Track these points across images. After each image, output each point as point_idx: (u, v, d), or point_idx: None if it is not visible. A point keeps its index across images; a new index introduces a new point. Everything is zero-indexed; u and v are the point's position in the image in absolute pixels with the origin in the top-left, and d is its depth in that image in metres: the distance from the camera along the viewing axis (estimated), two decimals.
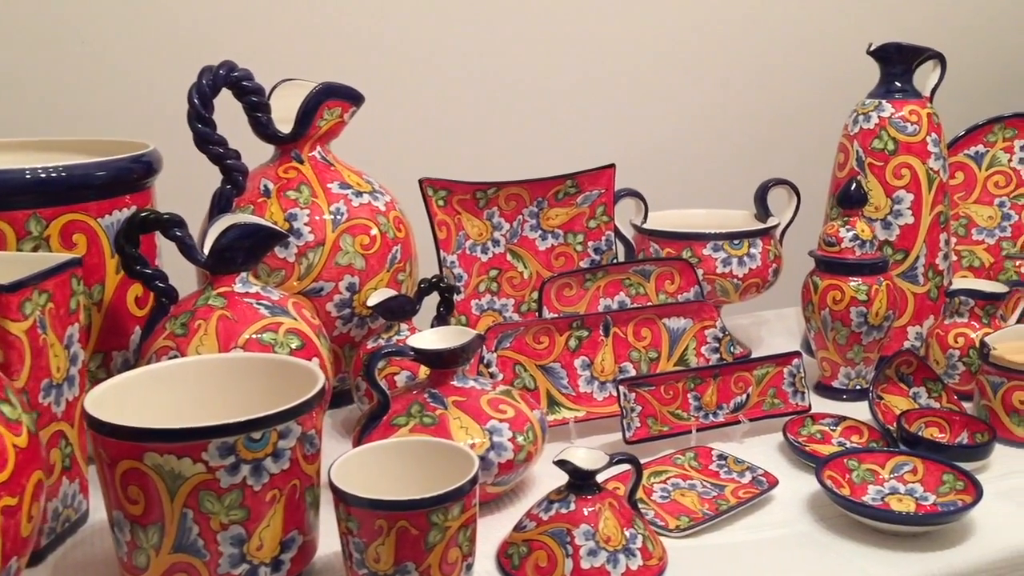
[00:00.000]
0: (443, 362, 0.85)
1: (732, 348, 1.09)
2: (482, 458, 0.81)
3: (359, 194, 1.04)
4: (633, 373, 1.05)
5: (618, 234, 1.22)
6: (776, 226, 1.22)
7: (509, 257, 1.16)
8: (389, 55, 1.52)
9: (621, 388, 0.96)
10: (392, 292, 0.99)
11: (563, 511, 0.73)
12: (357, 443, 0.84)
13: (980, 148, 1.36)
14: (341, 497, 0.67)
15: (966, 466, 0.91)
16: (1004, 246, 1.34)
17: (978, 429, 0.96)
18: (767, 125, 1.81)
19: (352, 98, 1.05)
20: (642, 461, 0.93)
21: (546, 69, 1.62)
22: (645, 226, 1.21)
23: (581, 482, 0.74)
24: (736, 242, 1.17)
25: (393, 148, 1.48)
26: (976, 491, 0.83)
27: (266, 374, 0.77)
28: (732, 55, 1.76)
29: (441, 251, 1.11)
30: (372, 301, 0.98)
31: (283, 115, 1.04)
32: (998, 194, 1.35)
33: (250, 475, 0.66)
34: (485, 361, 0.99)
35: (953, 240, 1.35)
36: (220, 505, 0.65)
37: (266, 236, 0.88)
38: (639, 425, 0.96)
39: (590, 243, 1.18)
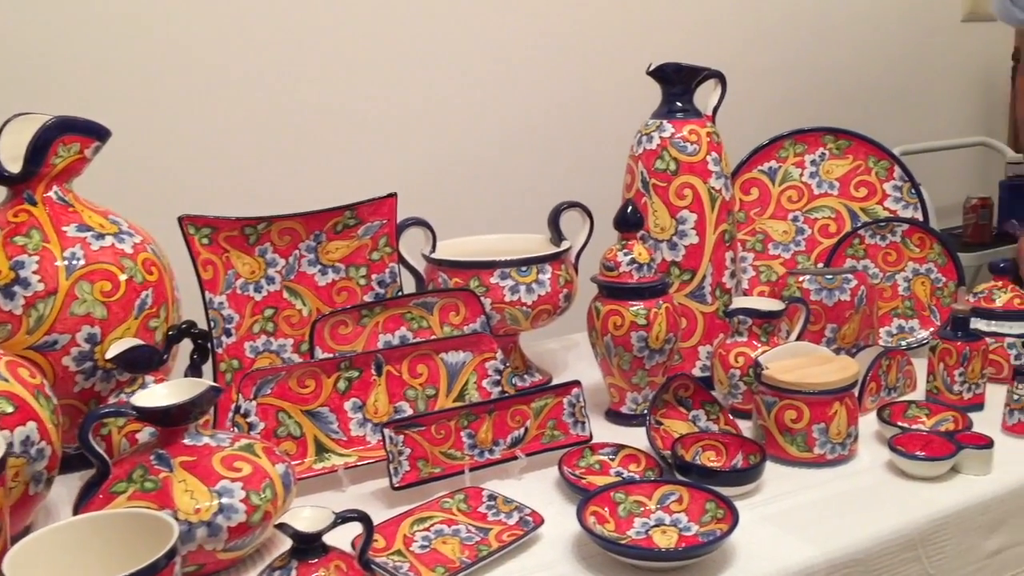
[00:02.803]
0: (171, 419, 0.78)
1: (514, 380, 1.05)
2: (208, 523, 0.74)
3: (101, 236, 0.96)
4: (410, 412, 1.00)
5: (407, 266, 1.18)
6: (567, 250, 1.20)
7: (286, 295, 1.10)
8: (150, 85, 1.43)
9: (386, 431, 0.91)
10: (136, 342, 0.91)
11: None
12: (75, 513, 0.76)
13: (773, 164, 1.38)
14: None
15: (738, 489, 0.90)
16: (799, 260, 1.36)
17: (751, 451, 0.96)
18: (564, 147, 1.79)
19: (93, 132, 0.97)
20: (409, 507, 0.89)
21: (319, 94, 1.56)
22: (433, 256, 1.17)
23: (305, 546, 0.69)
24: (524, 269, 1.14)
25: (154, 184, 1.40)
26: (733, 519, 0.81)
27: None
28: (522, 77, 1.74)
29: (207, 292, 1.04)
30: (111, 353, 0.90)
31: (17, 152, 0.95)
32: (791, 209, 1.38)
33: None
34: (242, 411, 0.92)
35: (751, 256, 1.37)
36: None
37: None
38: (408, 469, 0.92)
39: (374, 276, 1.13)
